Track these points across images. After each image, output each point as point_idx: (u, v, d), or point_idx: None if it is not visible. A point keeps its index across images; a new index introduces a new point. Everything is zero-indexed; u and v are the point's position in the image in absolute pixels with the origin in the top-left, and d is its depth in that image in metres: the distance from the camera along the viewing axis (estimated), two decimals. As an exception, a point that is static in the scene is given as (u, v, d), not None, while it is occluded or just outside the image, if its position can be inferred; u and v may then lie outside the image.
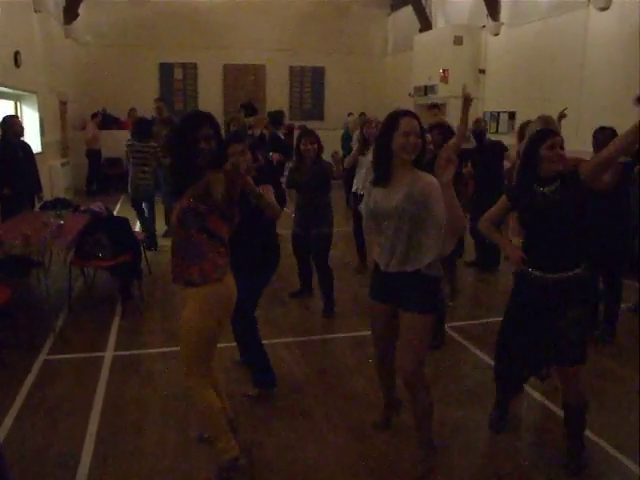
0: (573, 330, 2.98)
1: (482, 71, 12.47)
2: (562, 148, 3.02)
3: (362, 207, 3.13)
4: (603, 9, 8.98)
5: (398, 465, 3.16)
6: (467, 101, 4.98)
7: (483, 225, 3.34)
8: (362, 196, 6.78)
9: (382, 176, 2.92)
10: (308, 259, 5.78)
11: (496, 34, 11.79)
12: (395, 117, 2.86)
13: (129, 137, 8.09)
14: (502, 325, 3.36)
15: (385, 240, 2.95)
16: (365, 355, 4.53)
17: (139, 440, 3.39)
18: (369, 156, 6.70)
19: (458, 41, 12.37)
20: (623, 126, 3.42)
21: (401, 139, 2.80)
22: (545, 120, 5.02)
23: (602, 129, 4.82)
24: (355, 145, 7.37)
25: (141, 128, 7.98)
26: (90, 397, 3.88)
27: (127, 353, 4.66)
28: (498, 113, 11.65)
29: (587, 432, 3.28)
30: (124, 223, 5.96)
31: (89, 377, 4.19)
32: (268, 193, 3.45)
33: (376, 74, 16.64)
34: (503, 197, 3.27)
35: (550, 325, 3.04)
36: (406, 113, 2.89)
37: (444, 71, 12.52)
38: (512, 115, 11.23)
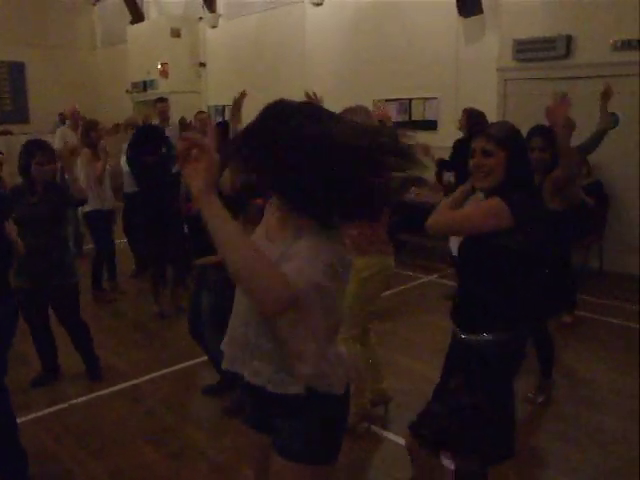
0: None
1: (203, 64, 12.32)
2: None
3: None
4: (317, 4, 9.48)
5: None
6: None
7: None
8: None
9: None
10: (47, 323, 4.17)
11: (214, 26, 11.71)
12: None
13: None
14: None
15: None
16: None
17: None
18: None
19: (175, 33, 12.02)
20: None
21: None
22: None
23: None
24: None
25: None
26: None
27: None
28: (223, 107, 11.58)
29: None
30: None
31: None
32: None
33: (86, 69, 15.35)
34: None
35: None
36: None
37: (163, 65, 12.05)
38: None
